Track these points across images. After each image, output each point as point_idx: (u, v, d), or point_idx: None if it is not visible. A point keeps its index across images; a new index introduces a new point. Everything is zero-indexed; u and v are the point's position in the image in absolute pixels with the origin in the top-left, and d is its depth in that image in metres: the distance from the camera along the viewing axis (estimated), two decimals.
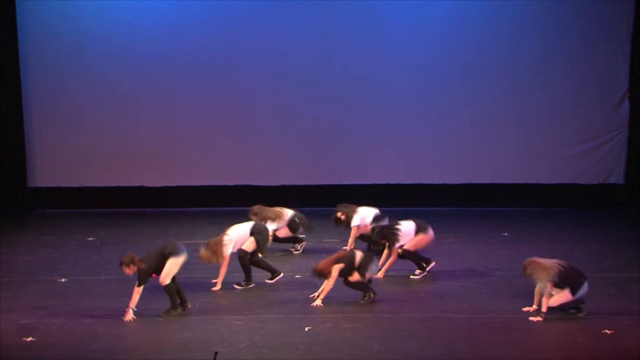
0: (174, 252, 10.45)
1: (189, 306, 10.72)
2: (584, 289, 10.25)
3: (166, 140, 16.32)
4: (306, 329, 10.06)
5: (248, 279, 11.74)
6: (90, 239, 14.31)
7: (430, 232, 12.20)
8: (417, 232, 12.09)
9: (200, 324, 10.28)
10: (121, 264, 10.34)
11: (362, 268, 10.88)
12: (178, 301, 10.54)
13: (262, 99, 16.26)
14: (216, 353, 8.26)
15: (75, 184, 16.28)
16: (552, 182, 16.44)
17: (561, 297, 10.20)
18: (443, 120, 16.41)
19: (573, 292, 10.18)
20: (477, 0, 16.05)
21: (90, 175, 16.27)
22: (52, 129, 16.26)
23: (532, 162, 16.41)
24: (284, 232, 13.32)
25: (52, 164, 16.27)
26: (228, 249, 11.49)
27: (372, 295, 11.02)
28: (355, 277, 10.88)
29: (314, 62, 16.22)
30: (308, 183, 16.28)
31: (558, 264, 10.20)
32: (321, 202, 15.56)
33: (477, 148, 16.42)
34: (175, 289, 10.54)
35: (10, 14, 15.84)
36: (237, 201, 15.24)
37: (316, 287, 11.11)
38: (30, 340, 9.74)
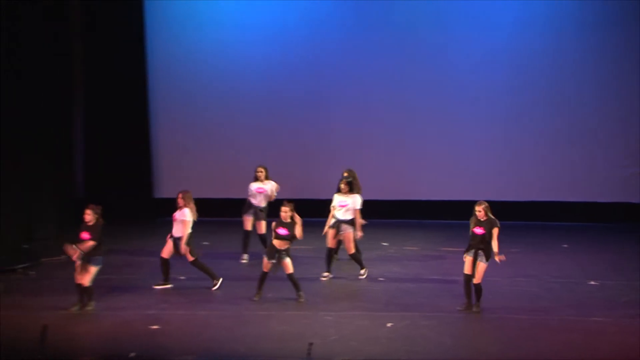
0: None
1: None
2: None
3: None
4: (388, 325, 10.00)
5: (213, 277, 11.64)
6: (205, 243, 14.32)
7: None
8: None
9: (296, 318, 10.30)
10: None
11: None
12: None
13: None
14: (311, 344, 8.28)
15: (194, 195, 16.34)
16: (610, 200, 16.01)
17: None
18: (515, 145, 16.16)
19: None
20: (537, 37, 15.83)
21: (208, 188, 16.13)
22: (176, 148, 16.48)
23: (590, 182, 16.03)
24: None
25: (175, 178, 16.21)
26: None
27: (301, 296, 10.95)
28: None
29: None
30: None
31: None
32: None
33: (542, 169, 16.12)
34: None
35: (140, 56, 16.16)
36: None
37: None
38: (155, 328, 9.90)
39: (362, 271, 12.12)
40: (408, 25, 15.94)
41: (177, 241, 11.58)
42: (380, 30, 16.06)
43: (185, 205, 11.62)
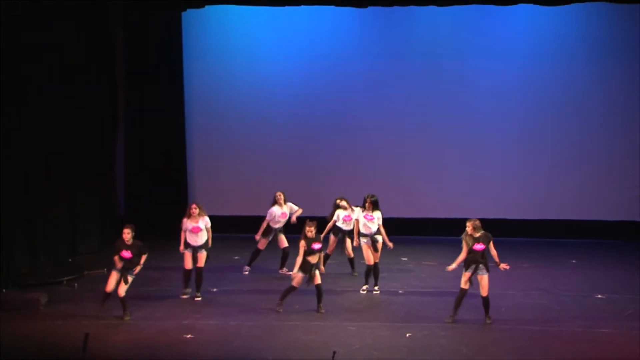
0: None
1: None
2: None
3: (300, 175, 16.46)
4: (407, 335, 10.17)
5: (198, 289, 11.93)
6: (236, 257, 14.52)
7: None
8: None
9: (321, 328, 10.46)
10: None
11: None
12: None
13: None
14: (334, 353, 8.47)
15: (225, 213, 16.05)
16: (616, 219, 16.08)
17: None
18: (527, 167, 16.25)
19: None
20: (548, 66, 15.98)
21: (238, 206, 16.40)
22: (210, 169, 16.66)
23: (598, 202, 16.09)
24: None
25: (209, 197, 16.08)
26: None
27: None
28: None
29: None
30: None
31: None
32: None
33: (552, 189, 16.20)
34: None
35: (178, 84, 16.38)
36: None
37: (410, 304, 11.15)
38: (189, 337, 10.11)
39: (376, 287, 12.25)
40: (428, 54, 16.08)
41: (197, 249, 11.89)
42: (402, 60, 16.18)
43: (203, 214, 12.01)
